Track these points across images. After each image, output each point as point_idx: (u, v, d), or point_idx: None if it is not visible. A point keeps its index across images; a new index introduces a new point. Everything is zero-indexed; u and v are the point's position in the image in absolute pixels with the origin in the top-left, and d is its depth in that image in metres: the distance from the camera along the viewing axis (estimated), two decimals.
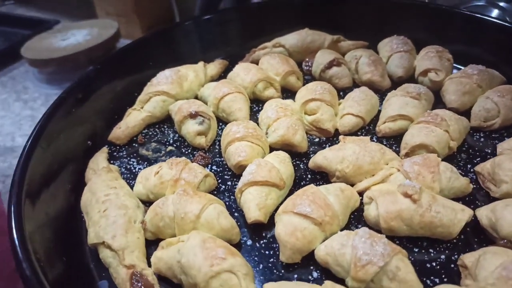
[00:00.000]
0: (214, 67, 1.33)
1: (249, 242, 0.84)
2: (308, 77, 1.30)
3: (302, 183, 0.95)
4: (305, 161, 1.01)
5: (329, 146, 1.04)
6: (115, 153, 1.08)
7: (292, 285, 0.70)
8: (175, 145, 1.10)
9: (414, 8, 1.38)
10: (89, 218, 0.83)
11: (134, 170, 1.03)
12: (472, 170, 0.94)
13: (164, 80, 1.17)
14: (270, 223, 0.85)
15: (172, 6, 2.53)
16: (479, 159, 0.97)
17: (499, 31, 1.21)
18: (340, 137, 0.97)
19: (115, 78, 1.22)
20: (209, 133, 1.08)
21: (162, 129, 1.16)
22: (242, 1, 1.94)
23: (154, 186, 0.90)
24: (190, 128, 1.05)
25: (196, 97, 1.23)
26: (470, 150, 1.00)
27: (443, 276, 0.74)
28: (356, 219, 0.86)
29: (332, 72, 1.22)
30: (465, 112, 1.07)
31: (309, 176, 0.97)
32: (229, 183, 0.98)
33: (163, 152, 1.08)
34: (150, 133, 1.15)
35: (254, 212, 0.83)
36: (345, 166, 0.90)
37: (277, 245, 0.82)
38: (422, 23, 1.35)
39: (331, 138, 1.07)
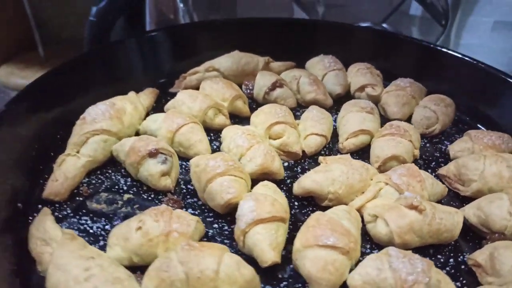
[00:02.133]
0: (146, 97, 1.17)
1: None
2: (248, 101, 1.26)
3: (292, 212, 0.90)
4: (283, 187, 0.96)
5: (300, 168, 1.02)
6: (56, 213, 0.85)
7: None
8: (131, 192, 0.93)
9: (329, 28, 1.47)
10: None
11: (92, 230, 0.83)
12: (433, 174, 1.02)
13: (101, 117, 0.98)
14: (282, 262, 0.77)
15: (33, 33, 2.22)
16: (434, 163, 1.06)
17: (404, 45, 1.37)
18: (320, 158, 0.96)
19: (23, 122, 0.97)
20: (172, 172, 0.94)
21: (107, 174, 0.97)
22: (132, 30, 1.82)
23: (139, 246, 0.74)
24: (152, 169, 0.90)
25: (137, 133, 1.07)
26: (423, 156, 1.09)
27: (461, 278, 0.78)
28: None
29: (277, 94, 1.21)
30: (405, 122, 1.16)
31: (296, 203, 0.93)
32: (215, 225, 0.86)
33: (120, 202, 0.90)
34: (94, 181, 0.94)
35: (269, 253, 0.75)
36: (337, 188, 0.88)
37: (299, 285, 0.76)
38: (338, 42, 1.44)
39: (298, 160, 1.05)
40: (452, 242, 0.85)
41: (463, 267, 0.81)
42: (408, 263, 0.70)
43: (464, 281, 0.78)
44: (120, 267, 0.70)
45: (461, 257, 0.83)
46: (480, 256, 0.78)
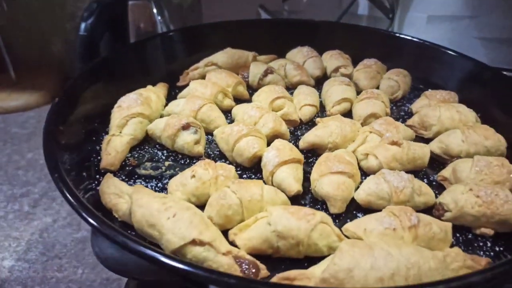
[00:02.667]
0: (161, 89, 1.38)
1: None
2: None
3: None
4: None
5: (299, 132, 1.27)
6: None
7: (369, 218, 0.88)
8: (170, 160, 1.13)
9: (301, 24, 1.75)
10: (159, 228, 0.82)
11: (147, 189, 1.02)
12: None
13: (134, 103, 1.18)
14: (303, 192, 1.01)
15: (4, 57, 2.37)
16: (401, 119, 1.35)
17: (361, 33, 1.67)
18: (317, 119, 1.21)
19: (74, 112, 1.15)
20: (201, 140, 1.15)
21: (145, 149, 1.16)
22: (117, 43, 2.01)
23: (196, 189, 0.94)
24: (187, 139, 1.11)
25: (161, 116, 1.27)
26: (392, 116, 1.36)
27: (434, 190, 1.05)
28: None
29: (269, 79, 1.45)
30: None
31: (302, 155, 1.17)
32: (244, 176, 1.08)
33: (163, 167, 1.10)
34: (136, 155, 1.14)
35: (294, 184, 0.98)
36: (335, 138, 1.13)
37: (318, 206, 0.99)
38: (309, 36, 1.71)
39: (297, 126, 1.29)
40: (424, 169, 1.12)
41: (434, 183, 1.08)
42: (397, 175, 0.96)
43: (436, 192, 1.04)
44: (187, 202, 0.91)
45: (431, 177, 1.10)
46: (445, 172, 1.06)
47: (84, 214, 0.75)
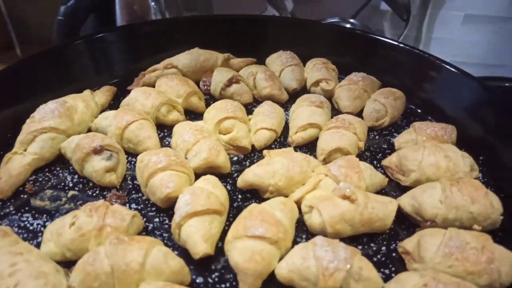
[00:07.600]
0: (102, 94, 1.19)
1: (200, 280, 0.77)
2: (206, 97, 1.27)
3: (234, 205, 0.92)
4: (230, 181, 0.98)
5: (248, 162, 1.04)
6: None
7: None
8: (77, 188, 0.94)
9: (291, 24, 1.49)
10: None
11: (31, 227, 0.85)
12: (378, 165, 1.04)
13: (50, 115, 1.00)
14: (217, 253, 0.79)
15: (9, 32, 2.23)
16: (380, 154, 1.08)
17: (360, 40, 1.38)
18: (264, 151, 0.98)
19: None
20: (118, 168, 0.95)
21: (55, 171, 0.98)
22: (105, 25, 1.82)
23: (71, 241, 0.75)
24: (96, 166, 0.92)
25: (89, 130, 1.08)
26: (371, 148, 1.10)
27: (390, 265, 0.80)
28: (296, 229, 0.86)
29: (233, 90, 1.22)
30: (357, 115, 1.17)
31: (239, 196, 0.94)
32: (156, 220, 0.88)
33: (64, 199, 0.92)
34: (40, 178, 0.96)
35: (201, 245, 0.76)
36: (277, 180, 0.90)
37: (230, 275, 0.77)
38: (300, 38, 1.45)
39: (248, 154, 1.06)
40: (387, 231, 0.87)
41: (394, 254, 0.83)
42: (331, 252, 0.71)
43: (393, 268, 0.80)
44: (49, 262, 0.72)
45: (394, 245, 0.84)
46: (409, 243, 0.80)
47: None
